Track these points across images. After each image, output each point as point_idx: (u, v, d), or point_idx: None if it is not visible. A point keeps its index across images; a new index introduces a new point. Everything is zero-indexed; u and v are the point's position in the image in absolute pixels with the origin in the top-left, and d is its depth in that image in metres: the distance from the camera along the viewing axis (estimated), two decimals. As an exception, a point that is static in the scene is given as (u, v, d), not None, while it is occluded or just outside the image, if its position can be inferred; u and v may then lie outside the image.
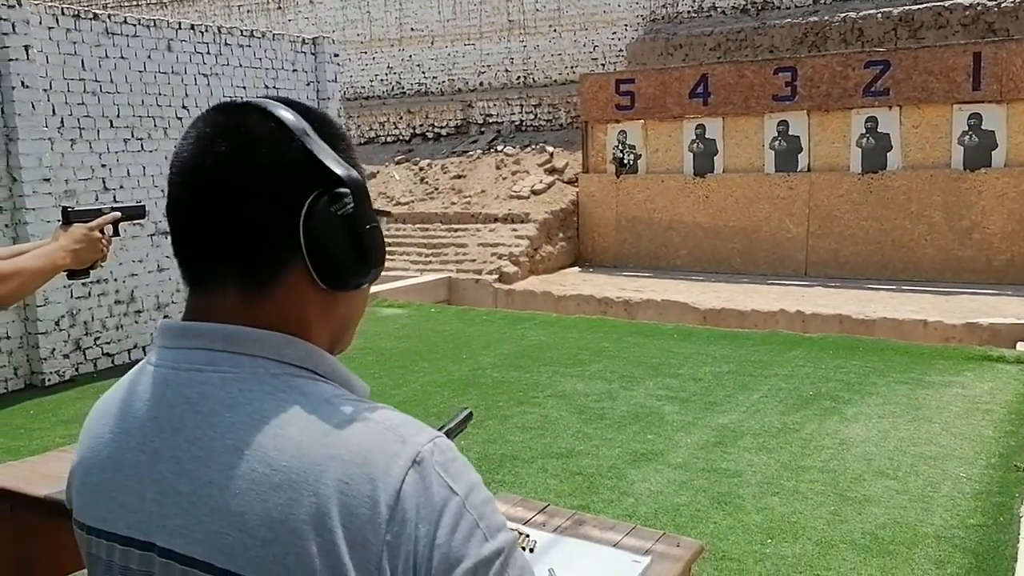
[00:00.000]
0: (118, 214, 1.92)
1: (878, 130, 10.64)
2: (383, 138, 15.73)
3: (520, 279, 11.29)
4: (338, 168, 0.78)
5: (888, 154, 10.61)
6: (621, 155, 11.99)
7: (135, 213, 2.02)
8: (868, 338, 7.87)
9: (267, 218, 0.77)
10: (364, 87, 16.33)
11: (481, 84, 15.22)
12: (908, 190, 10.43)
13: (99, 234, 1.85)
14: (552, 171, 12.95)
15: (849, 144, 10.78)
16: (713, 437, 5.12)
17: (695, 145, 11.67)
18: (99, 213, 1.91)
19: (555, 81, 14.61)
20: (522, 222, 11.94)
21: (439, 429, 0.85)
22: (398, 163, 14.76)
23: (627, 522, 1.89)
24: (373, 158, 14.98)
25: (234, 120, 0.79)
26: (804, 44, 12.52)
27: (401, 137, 15.65)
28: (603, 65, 14.17)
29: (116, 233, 1.90)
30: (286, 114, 0.78)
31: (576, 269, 12.08)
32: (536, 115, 14.43)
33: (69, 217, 1.84)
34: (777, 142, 11.19)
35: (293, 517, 0.69)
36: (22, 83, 6.38)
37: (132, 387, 0.83)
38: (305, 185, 0.77)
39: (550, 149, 13.44)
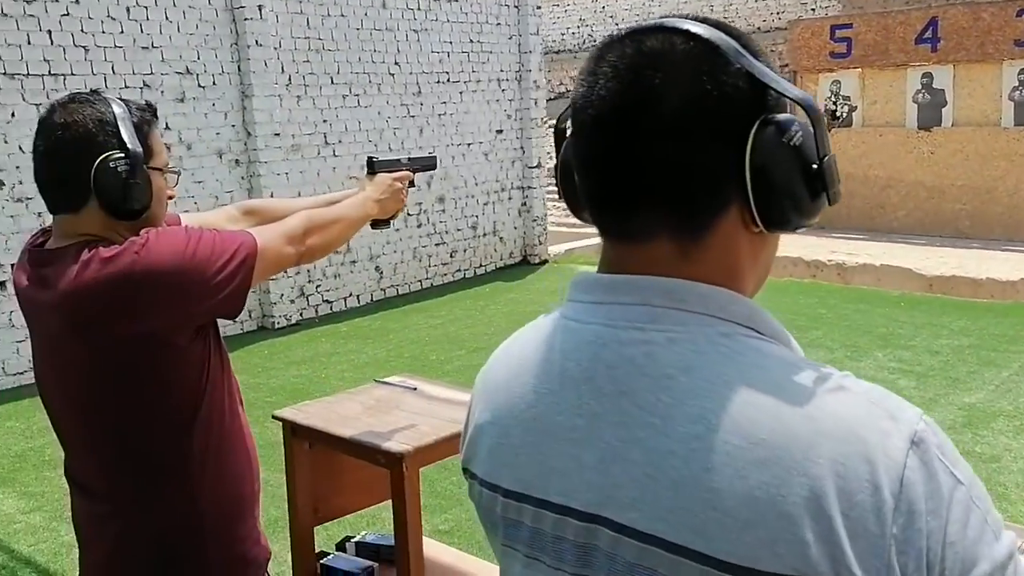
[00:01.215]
0: (409, 174, 1.88)
1: None
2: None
3: (718, 239, 10.84)
4: (790, 90, 0.68)
5: None
6: (834, 107, 11.18)
7: (429, 164, 1.99)
8: None
9: (709, 155, 0.69)
10: (555, 41, 16.17)
11: (677, 35, 14.64)
12: None
13: (400, 184, 1.83)
14: (754, 125, 12.30)
15: (1110, 92, 9.45)
16: (961, 417, 4.66)
17: (920, 96, 10.67)
18: (398, 163, 1.88)
19: (758, 28, 13.81)
20: (721, 179, 11.45)
21: None
22: (590, 118, 14.54)
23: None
24: (561, 114, 14.84)
25: (656, 46, 0.69)
26: (1054, -21, 11.05)
27: (592, 92, 15.41)
28: (813, 10, 13.22)
29: (411, 184, 1.87)
30: (714, 34, 0.69)
31: (778, 229, 11.45)
32: (736, 66, 13.72)
33: (375, 167, 1.83)
34: (1018, 92, 10.01)
35: (782, 499, 0.61)
36: (256, 42, 6.72)
37: (550, 344, 0.75)
38: (750, 113, 0.69)
39: (751, 102, 12.76)
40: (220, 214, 1.79)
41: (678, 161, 0.68)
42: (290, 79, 7.10)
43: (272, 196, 6.82)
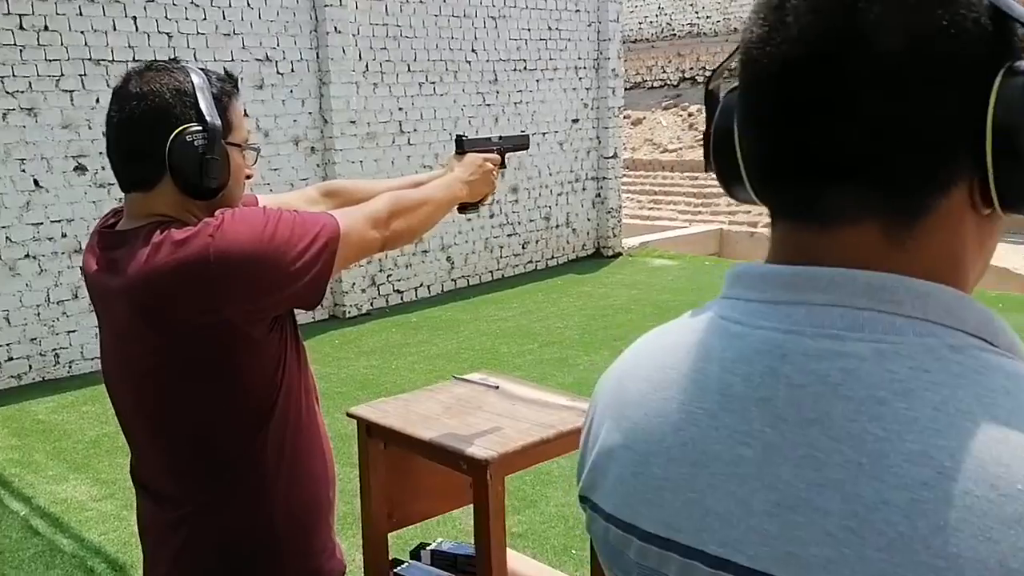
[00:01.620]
0: (499, 156, 1.76)
1: None
2: (649, 83, 15.27)
3: (799, 234, 10.48)
4: None
5: None
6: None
7: (521, 144, 1.86)
8: None
9: (939, 112, 0.53)
10: (632, 29, 15.88)
11: (759, 23, 14.19)
12: None
13: (491, 165, 1.70)
14: (839, 117, 11.83)
15: None
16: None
17: None
18: (488, 142, 1.76)
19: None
20: (804, 172, 11.05)
21: None
22: (665, 109, 14.26)
23: None
24: (639, 103, 14.59)
25: None
26: None
27: (668, 82, 15.09)
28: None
29: (503, 165, 1.74)
30: None
31: (862, 225, 11.04)
32: (821, 56, 13.21)
33: (463, 146, 1.70)
34: None
35: None
36: (335, 28, 6.70)
37: (704, 351, 0.60)
38: (994, 59, 0.54)
39: (837, 93, 12.27)
40: (299, 196, 1.70)
41: (896, 118, 0.53)
42: (367, 66, 7.07)
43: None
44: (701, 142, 0.73)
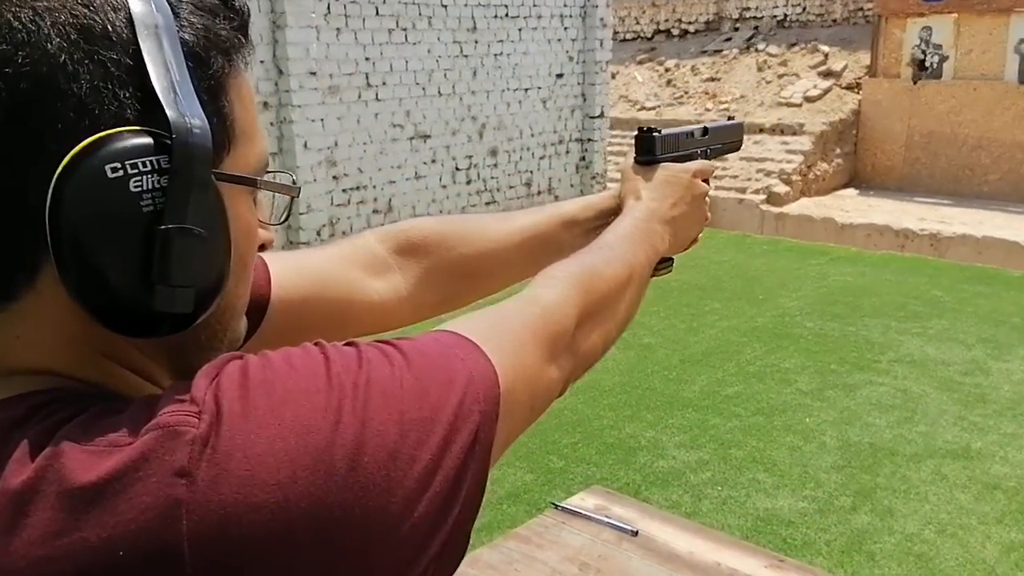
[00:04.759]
0: (712, 166, 0.93)
1: None
2: (622, 35, 14.35)
3: (791, 201, 9.83)
4: None
5: None
6: (923, 56, 10.02)
7: (734, 141, 1.02)
8: None
9: None
10: (602, -23, 14.91)
11: (739, -28, 13.36)
12: None
13: (705, 187, 0.89)
14: (827, 75, 11.14)
15: None
16: None
17: (1025, 45, 9.51)
18: (691, 139, 0.93)
19: (832, -32, 12.51)
20: (794, 134, 10.36)
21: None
22: (640, 63, 13.39)
23: None
24: (611, 56, 13.69)
25: None
26: None
27: (642, 34, 14.20)
28: (896, -53, 11.90)
29: (706, 180, 0.92)
30: None
31: (853, 191, 10.43)
32: (804, 8, 12.47)
33: (655, 148, 0.87)
34: None
35: None
36: (291, -38, 5.67)
37: None
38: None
39: (824, 49, 11.57)
40: (339, 256, 0.83)
41: None
42: (329, 8, 6.05)
43: (299, 146, 5.83)
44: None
